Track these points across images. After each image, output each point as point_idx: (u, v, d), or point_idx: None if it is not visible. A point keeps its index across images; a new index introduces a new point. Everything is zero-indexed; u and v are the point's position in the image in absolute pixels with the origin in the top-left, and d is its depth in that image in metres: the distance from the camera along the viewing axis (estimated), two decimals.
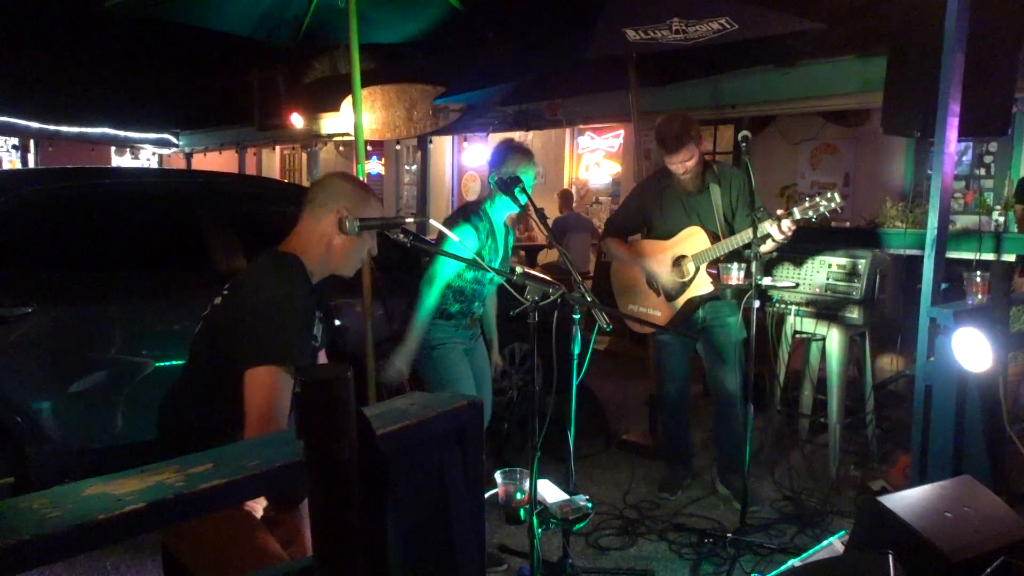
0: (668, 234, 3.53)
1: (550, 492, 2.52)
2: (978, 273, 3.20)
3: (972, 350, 2.83)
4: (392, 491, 1.09)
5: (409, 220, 1.99)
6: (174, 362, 3.14)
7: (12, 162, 15.56)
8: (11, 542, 0.85)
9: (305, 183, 14.76)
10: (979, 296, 3.21)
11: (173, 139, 15.43)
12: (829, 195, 3.11)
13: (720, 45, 4.01)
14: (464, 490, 1.29)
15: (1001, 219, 5.45)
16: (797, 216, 3.12)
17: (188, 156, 15.68)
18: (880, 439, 4.14)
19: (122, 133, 14.81)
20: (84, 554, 2.99)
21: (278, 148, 15.39)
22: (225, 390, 1.77)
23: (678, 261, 3.50)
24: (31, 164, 15.12)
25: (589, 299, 2.34)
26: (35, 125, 13.40)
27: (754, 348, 3.11)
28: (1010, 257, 4.30)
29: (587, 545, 3.18)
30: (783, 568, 2.44)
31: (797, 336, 3.99)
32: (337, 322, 3.73)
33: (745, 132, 3.09)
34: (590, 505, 2.44)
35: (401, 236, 2.06)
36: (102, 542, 0.94)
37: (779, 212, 3.15)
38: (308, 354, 1.91)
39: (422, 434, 1.21)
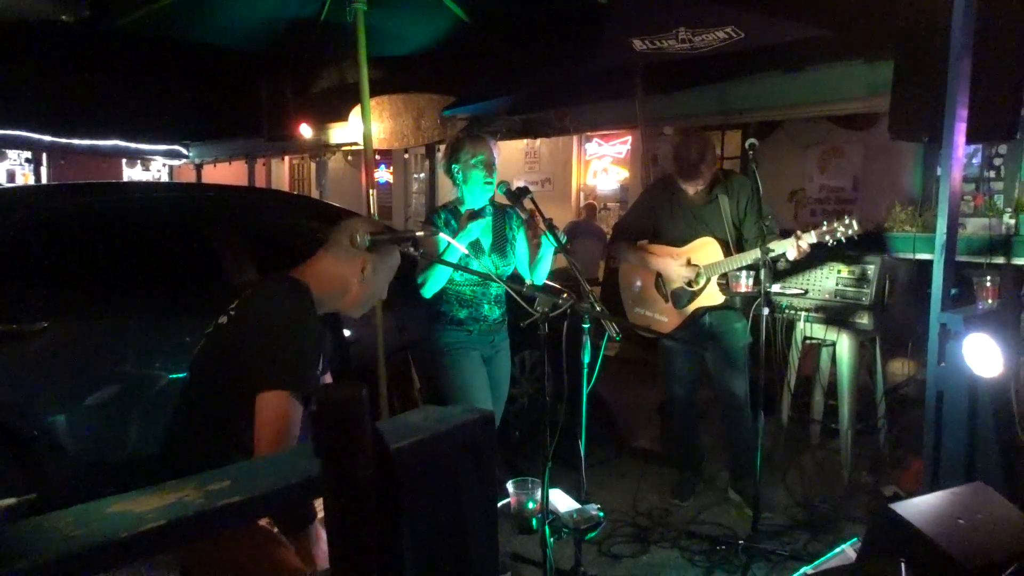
0: (678, 241, 3.55)
1: (562, 501, 2.53)
2: (988, 277, 3.19)
3: (983, 355, 2.82)
4: (407, 506, 1.11)
5: (420, 233, 2.02)
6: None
7: (25, 175, 15.70)
8: (38, 561, 0.87)
9: (314, 193, 14.84)
10: (989, 301, 3.21)
11: (183, 150, 15.55)
12: (847, 221, 3.14)
13: (727, 53, 4.02)
14: (478, 503, 1.31)
15: (1012, 222, 5.42)
16: (814, 239, 3.16)
17: (198, 167, 15.79)
18: (892, 444, 4.13)
19: (133, 145, 14.94)
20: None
21: (287, 158, 15.48)
22: (229, 410, 1.78)
23: (689, 270, 3.51)
24: (44, 177, 15.26)
25: (598, 309, 2.36)
26: (47, 139, 13.54)
27: (764, 355, 3.12)
28: (1021, 260, 4.29)
29: (599, 553, 3.19)
30: (797, 575, 2.44)
31: (807, 342, 3.99)
32: (347, 332, 3.75)
33: (752, 140, 3.11)
34: (601, 514, 2.45)
35: (411, 249, 2.08)
36: (125, 560, 0.96)
37: (797, 233, 3.17)
38: (316, 380, 1.92)
39: (435, 448, 1.22)
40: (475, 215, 2.80)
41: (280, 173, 16.28)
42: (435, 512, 1.21)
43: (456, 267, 2.55)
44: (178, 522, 0.97)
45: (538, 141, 11.10)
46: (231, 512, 1.02)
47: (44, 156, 15.38)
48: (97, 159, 15.02)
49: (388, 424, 1.22)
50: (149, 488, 1.07)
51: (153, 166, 17.08)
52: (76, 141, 13.92)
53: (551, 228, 2.70)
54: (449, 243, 2.52)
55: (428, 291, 2.87)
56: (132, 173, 17.06)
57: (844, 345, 3.82)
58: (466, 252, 2.56)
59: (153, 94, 13.43)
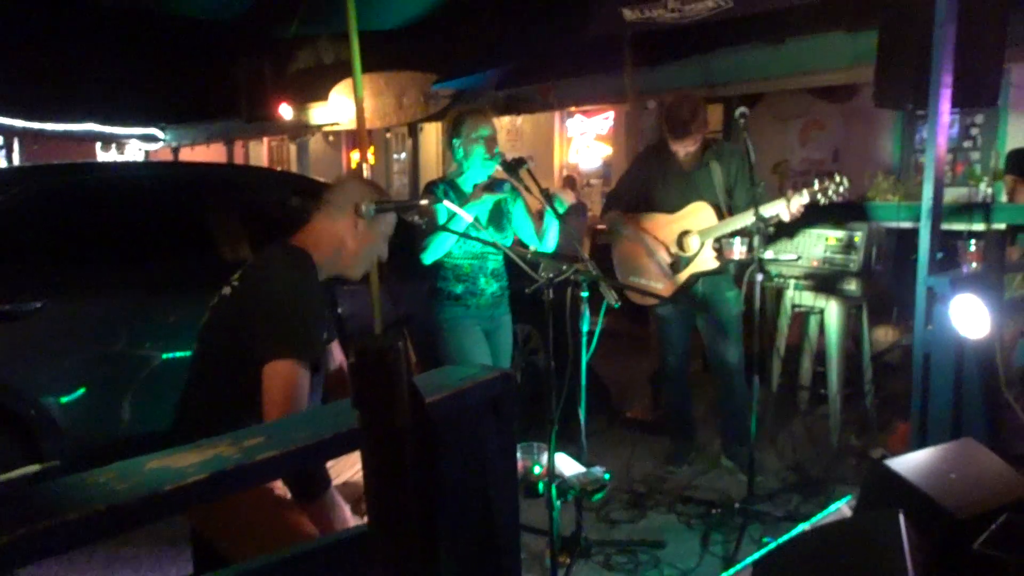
0: (670, 208, 3.57)
1: (567, 465, 2.57)
2: (972, 241, 3.26)
3: (969, 316, 2.89)
4: (441, 456, 1.14)
5: (423, 202, 2.03)
6: (184, 353, 3.17)
7: None
8: (88, 512, 0.89)
9: None
10: (974, 264, 3.28)
11: (159, 133, 15.30)
12: (838, 179, 3.18)
13: (712, 24, 4.04)
14: (500, 455, 1.34)
15: (989, 190, 5.52)
16: (807, 199, 3.19)
17: (175, 151, 15.56)
18: (878, 409, 4.22)
19: (107, 129, 14.67)
20: (102, 544, 3.03)
21: (266, 140, 15.31)
22: (241, 378, 1.81)
23: (683, 236, 3.54)
24: (16, 163, 14.96)
25: (596, 274, 2.39)
26: (19, 123, 13.27)
27: (758, 322, 3.17)
28: (1001, 226, 4.37)
29: (598, 519, 3.24)
30: (795, 532, 2.50)
31: (796, 310, 4.05)
32: (340, 310, 3.76)
33: (743, 108, 3.14)
34: (607, 476, 2.49)
35: (416, 218, 2.10)
36: (169, 512, 0.98)
37: (789, 192, 3.20)
38: (322, 346, 1.94)
39: (460, 404, 1.25)
40: (490, 187, 2.80)
41: (259, 155, 16.12)
42: (463, 463, 1.24)
43: (463, 235, 2.56)
44: (219, 475, 0.99)
45: (520, 118, 11.06)
46: (268, 465, 1.04)
47: (16, 142, 15.08)
48: (71, 144, 14.75)
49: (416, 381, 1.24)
50: (183, 446, 1.09)
51: (128, 150, 16.81)
52: (49, 126, 13.65)
53: (547, 196, 2.72)
54: (455, 213, 2.52)
55: (428, 258, 2.87)
56: (107, 158, 16.76)
57: (832, 312, 3.88)
58: (470, 221, 2.55)
59: (128, 77, 13.18)
